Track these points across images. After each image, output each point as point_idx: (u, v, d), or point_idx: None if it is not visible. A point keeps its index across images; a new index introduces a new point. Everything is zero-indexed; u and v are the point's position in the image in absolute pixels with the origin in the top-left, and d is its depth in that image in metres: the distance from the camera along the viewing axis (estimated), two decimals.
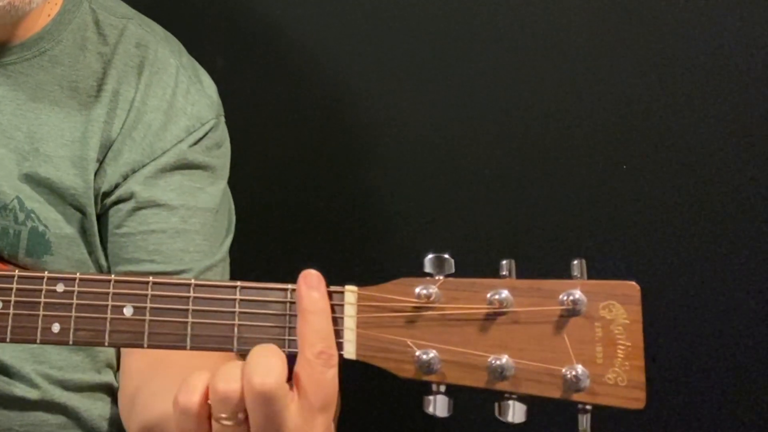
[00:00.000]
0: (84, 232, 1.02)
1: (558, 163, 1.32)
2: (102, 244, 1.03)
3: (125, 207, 1.00)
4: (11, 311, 0.76)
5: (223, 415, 0.66)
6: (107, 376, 1.08)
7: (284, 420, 0.66)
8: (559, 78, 1.31)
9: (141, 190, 1.00)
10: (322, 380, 0.67)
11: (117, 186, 1.00)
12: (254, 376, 0.65)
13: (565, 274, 0.71)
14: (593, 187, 1.32)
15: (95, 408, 1.06)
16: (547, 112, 1.32)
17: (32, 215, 0.99)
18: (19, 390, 1.02)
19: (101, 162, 1.01)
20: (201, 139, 1.03)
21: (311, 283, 0.69)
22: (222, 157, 1.07)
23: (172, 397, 0.69)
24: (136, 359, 1.00)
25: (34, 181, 0.99)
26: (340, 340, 0.70)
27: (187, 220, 1.01)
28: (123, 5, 1.10)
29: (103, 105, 1.01)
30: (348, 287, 0.71)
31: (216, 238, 1.04)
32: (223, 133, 1.07)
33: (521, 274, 0.71)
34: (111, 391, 1.08)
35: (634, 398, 0.68)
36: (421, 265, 0.71)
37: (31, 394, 1.02)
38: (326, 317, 0.69)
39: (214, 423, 0.67)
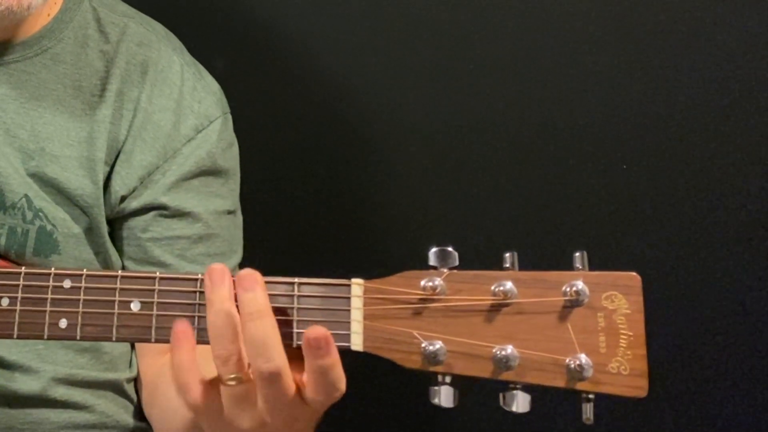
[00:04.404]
0: (91, 232, 1.02)
1: (558, 157, 1.32)
2: (116, 245, 1.04)
3: (151, 213, 1.02)
4: (18, 307, 0.76)
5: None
6: (112, 374, 1.08)
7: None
8: (561, 72, 1.31)
9: (166, 200, 1.01)
10: None
11: (135, 189, 1.01)
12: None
13: (565, 267, 0.72)
14: (594, 181, 1.32)
15: (98, 405, 1.06)
16: (547, 106, 1.32)
17: (41, 214, 0.99)
18: (22, 388, 1.02)
19: (113, 164, 1.01)
20: (216, 141, 1.04)
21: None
22: (235, 158, 1.08)
23: None
24: (150, 355, 1.03)
25: (41, 180, 0.99)
26: (348, 332, 0.71)
27: (210, 225, 1.03)
28: (122, 4, 1.10)
29: (108, 105, 1.01)
30: (354, 280, 0.72)
31: (236, 239, 1.07)
32: (232, 132, 1.08)
33: (523, 266, 0.72)
34: (116, 388, 1.08)
35: (637, 386, 0.69)
36: (424, 259, 0.72)
37: (34, 392, 1.02)
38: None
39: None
